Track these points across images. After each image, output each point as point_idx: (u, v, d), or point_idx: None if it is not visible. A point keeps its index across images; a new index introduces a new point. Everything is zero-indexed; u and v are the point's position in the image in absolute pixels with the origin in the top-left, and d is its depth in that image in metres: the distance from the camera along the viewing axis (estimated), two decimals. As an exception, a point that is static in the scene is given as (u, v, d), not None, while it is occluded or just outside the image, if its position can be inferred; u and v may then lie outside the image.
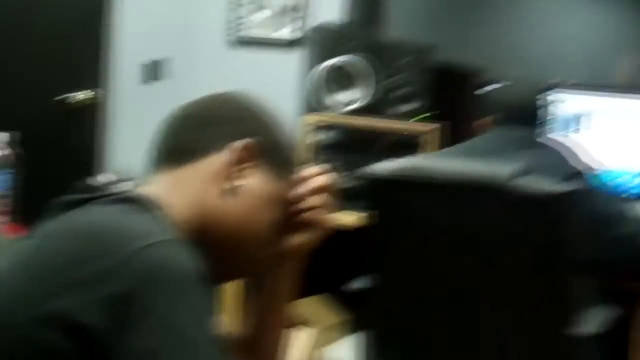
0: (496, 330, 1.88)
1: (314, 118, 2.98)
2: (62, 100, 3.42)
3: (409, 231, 1.90)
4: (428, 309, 1.95)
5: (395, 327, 2.06)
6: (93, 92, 3.46)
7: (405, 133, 3.01)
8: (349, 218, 2.54)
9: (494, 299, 1.85)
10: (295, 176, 1.15)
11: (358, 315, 2.19)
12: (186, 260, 0.90)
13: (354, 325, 2.93)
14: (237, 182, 1.06)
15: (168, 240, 0.91)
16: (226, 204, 1.06)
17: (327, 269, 2.76)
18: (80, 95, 3.44)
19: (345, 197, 2.54)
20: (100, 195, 1.00)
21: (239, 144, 1.07)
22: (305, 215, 1.17)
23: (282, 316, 1.25)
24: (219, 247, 1.05)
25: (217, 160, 1.07)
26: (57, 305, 0.85)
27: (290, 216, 1.16)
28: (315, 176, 1.18)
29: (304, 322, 2.79)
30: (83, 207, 0.98)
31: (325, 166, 1.21)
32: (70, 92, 3.44)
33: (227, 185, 1.06)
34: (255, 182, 1.08)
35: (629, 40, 3.60)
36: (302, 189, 1.16)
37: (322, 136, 3.09)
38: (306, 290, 2.88)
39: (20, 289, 0.90)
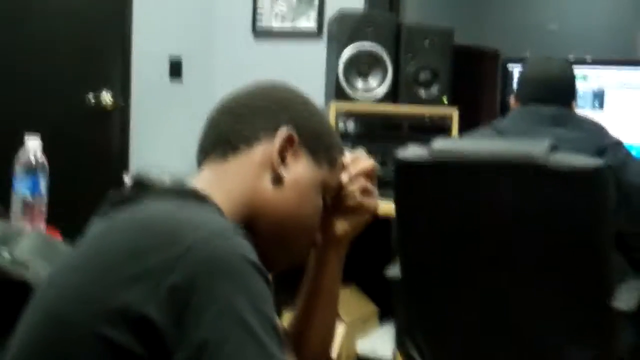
0: (536, 307, 1.89)
1: (338, 106, 2.99)
2: (87, 101, 3.44)
3: (444, 214, 1.90)
4: (465, 292, 1.96)
5: (430, 313, 2.06)
6: (113, 92, 3.48)
7: (428, 117, 3.02)
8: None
9: (534, 276, 1.86)
10: (337, 162, 1.16)
11: (391, 304, 2.18)
12: (244, 248, 0.91)
13: (387, 315, 2.94)
14: (282, 171, 1.08)
15: (226, 229, 0.92)
16: (272, 193, 1.08)
17: (355, 259, 2.77)
18: (105, 95, 3.47)
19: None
20: (151, 191, 1.01)
21: (281, 133, 1.08)
22: (351, 200, 1.18)
23: (331, 304, 1.26)
24: (267, 237, 1.07)
25: (261, 150, 1.08)
26: (119, 300, 0.86)
27: (335, 202, 1.18)
28: (357, 161, 1.19)
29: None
30: (135, 203, 0.99)
31: (364, 151, 1.22)
32: (93, 91, 3.46)
33: (272, 175, 1.08)
34: (299, 170, 1.09)
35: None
36: (345, 174, 1.18)
37: (346, 124, 3.10)
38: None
39: (81, 288, 0.91)
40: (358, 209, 1.20)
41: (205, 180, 1.08)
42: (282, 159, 1.08)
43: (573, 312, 1.87)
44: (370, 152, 3.22)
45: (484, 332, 1.96)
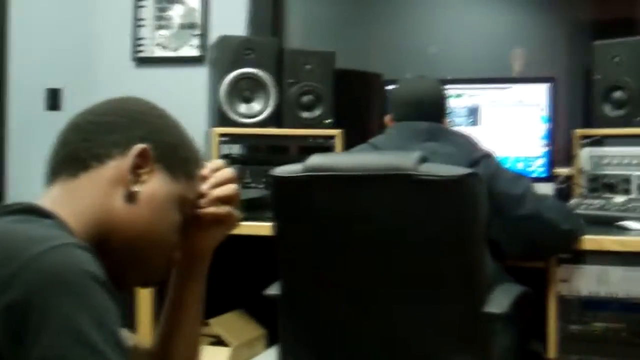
0: (414, 317, 1.91)
1: (222, 131, 2.99)
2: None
3: (320, 228, 1.91)
4: (345, 306, 1.97)
5: (312, 330, 2.06)
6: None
7: (313, 140, 3.05)
8: (260, 229, 2.38)
9: (411, 285, 1.89)
10: (195, 175, 1.15)
11: (275, 325, 2.17)
12: (85, 262, 0.88)
13: (272, 337, 2.93)
14: (136, 188, 1.05)
15: (66, 244, 0.89)
16: (126, 210, 1.05)
17: (242, 282, 2.76)
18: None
19: (255, 207, 2.56)
20: None
21: (134, 149, 1.06)
22: (210, 210, 1.17)
23: (196, 319, 1.25)
24: (120, 255, 1.04)
25: (113, 167, 1.05)
26: None
27: (195, 215, 1.16)
28: (216, 171, 1.19)
29: (220, 340, 2.77)
30: None
31: (223, 161, 1.22)
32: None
33: (125, 192, 1.05)
34: (154, 186, 1.07)
35: (520, 35, 3.75)
36: (205, 185, 1.17)
37: (231, 148, 3.10)
38: (221, 307, 2.86)
39: None
40: (218, 219, 1.18)
41: (52, 198, 1.04)
42: (136, 175, 1.06)
43: (449, 320, 1.90)
44: (257, 175, 3.22)
45: (366, 344, 1.98)
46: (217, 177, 1.19)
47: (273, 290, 2.08)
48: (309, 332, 2.06)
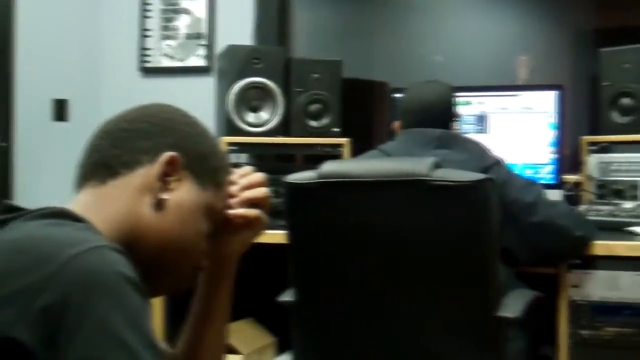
0: (428, 322, 1.91)
1: (231, 140, 2.99)
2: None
3: (334, 234, 1.91)
4: (359, 311, 1.97)
5: (324, 337, 2.05)
6: None
7: (321, 148, 3.06)
8: (268, 237, 2.43)
9: (425, 291, 1.88)
10: (224, 184, 1.14)
11: (285, 333, 2.17)
12: (119, 264, 0.88)
13: (282, 345, 2.92)
14: (164, 196, 1.05)
15: (100, 246, 0.89)
16: (154, 218, 1.05)
17: (253, 290, 2.76)
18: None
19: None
20: (20, 215, 0.97)
21: (163, 157, 1.06)
22: (240, 212, 1.17)
23: (222, 325, 1.26)
24: (147, 262, 1.03)
25: (142, 175, 1.05)
26: None
27: (224, 218, 1.16)
28: (246, 176, 1.19)
29: (231, 348, 2.76)
30: (3, 227, 0.96)
31: (252, 167, 1.22)
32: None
33: (153, 200, 1.05)
34: (182, 195, 1.07)
35: (525, 42, 3.76)
36: (235, 186, 1.17)
37: (239, 157, 3.10)
38: (232, 314, 2.84)
39: None
40: (247, 222, 1.18)
41: (82, 203, 1.04)
42: (164, 183, 1.06)
43: (463, 325, 1.90)
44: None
45: (379, 352, 1.98)
46: (249, 180, 1.18)
47: (285, 297, 2.08)
48: (321, 340, 2.06)
